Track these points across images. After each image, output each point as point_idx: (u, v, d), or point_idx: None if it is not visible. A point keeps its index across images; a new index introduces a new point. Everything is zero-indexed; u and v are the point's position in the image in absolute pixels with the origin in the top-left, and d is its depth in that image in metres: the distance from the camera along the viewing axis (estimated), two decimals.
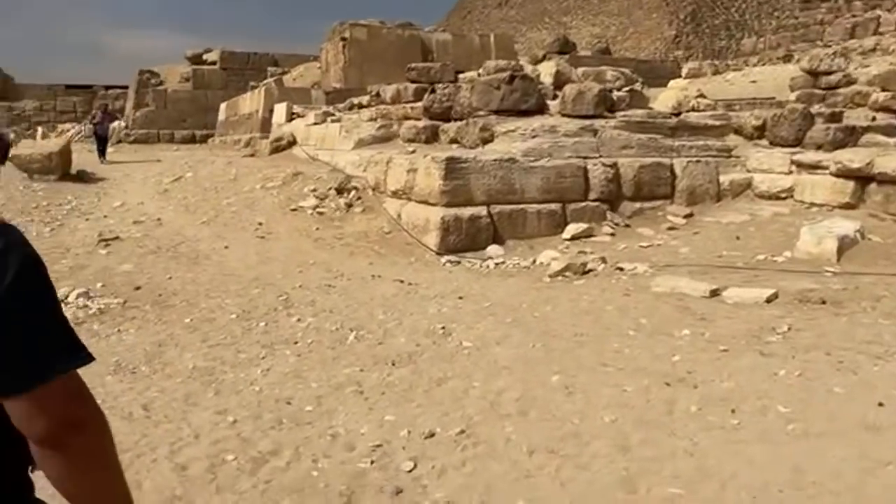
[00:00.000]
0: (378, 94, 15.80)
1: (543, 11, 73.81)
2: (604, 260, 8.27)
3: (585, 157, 10.64)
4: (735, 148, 11.81)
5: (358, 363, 5.10)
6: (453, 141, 12.23)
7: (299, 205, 11.58)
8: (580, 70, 15.44)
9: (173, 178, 14.65)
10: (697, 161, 11.22)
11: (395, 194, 10.88)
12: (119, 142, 29.22)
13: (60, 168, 14.62)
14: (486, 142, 11.25)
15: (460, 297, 7.04)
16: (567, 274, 7.75)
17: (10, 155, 16.58)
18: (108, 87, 44.15)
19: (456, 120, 12.53)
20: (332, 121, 15.94)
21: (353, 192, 11.48)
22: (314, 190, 11.93)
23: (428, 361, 5.08)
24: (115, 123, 27.13)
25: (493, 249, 9.50)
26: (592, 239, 9.93)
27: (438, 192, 9.63)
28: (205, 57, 34.78)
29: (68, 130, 33.57)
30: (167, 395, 4.58)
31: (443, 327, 5.89)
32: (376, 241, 10.06)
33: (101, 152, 18.81)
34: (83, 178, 15.06)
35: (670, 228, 10.23)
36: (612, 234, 10.03)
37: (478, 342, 5.48)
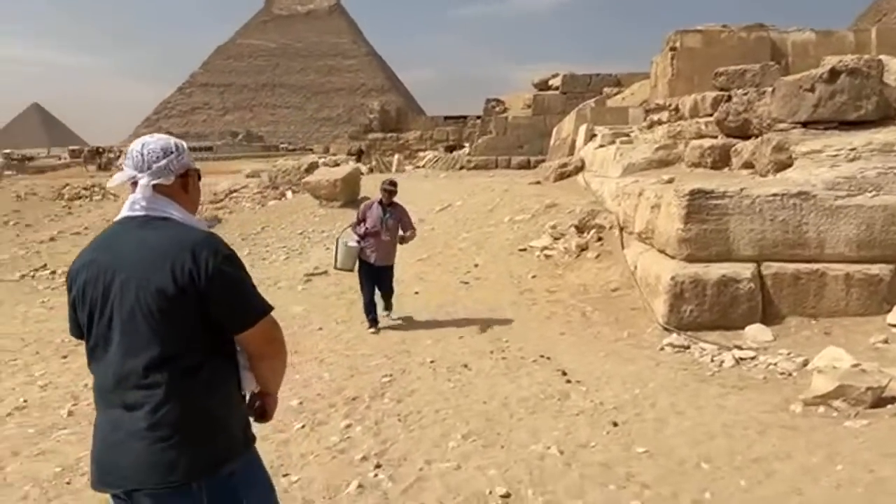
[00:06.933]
0: (677, 109, 12.74)
1: None
2: None
3: None
4: None
5: None
6: (747, 165, 8.82)
7: (530, 244, 9.46)
8: None
9: (441, 206, 13.71)
10: None
11: (640, 237, 8.09)
12: (461, 168, 30.26)
13: (345, 194, 14.79)
14: (781, 167, 7.73)
15: (615, 424, 4.25)
16: (836, 404, 4.29)
17: (301, 182, 17.61)
18: (478, 117, 46.66)
19: (756, 136, 9.08)
20: (623, 142, 13.33)
21: (593, 231, 8.94)
22: (554, 226, 9.68)
23: None
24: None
25: (754, 331, 6.17)
26: None
27: (676, 239, 6.65)
28: (550, 82, 34.36)
29: (424, 157, 36.37)
30: None
31: (506, 495, 3.33)
32: (595, 299, 7.44)
33: (384, 304, 7.32)
34: None
35: None
36: None
37: None
